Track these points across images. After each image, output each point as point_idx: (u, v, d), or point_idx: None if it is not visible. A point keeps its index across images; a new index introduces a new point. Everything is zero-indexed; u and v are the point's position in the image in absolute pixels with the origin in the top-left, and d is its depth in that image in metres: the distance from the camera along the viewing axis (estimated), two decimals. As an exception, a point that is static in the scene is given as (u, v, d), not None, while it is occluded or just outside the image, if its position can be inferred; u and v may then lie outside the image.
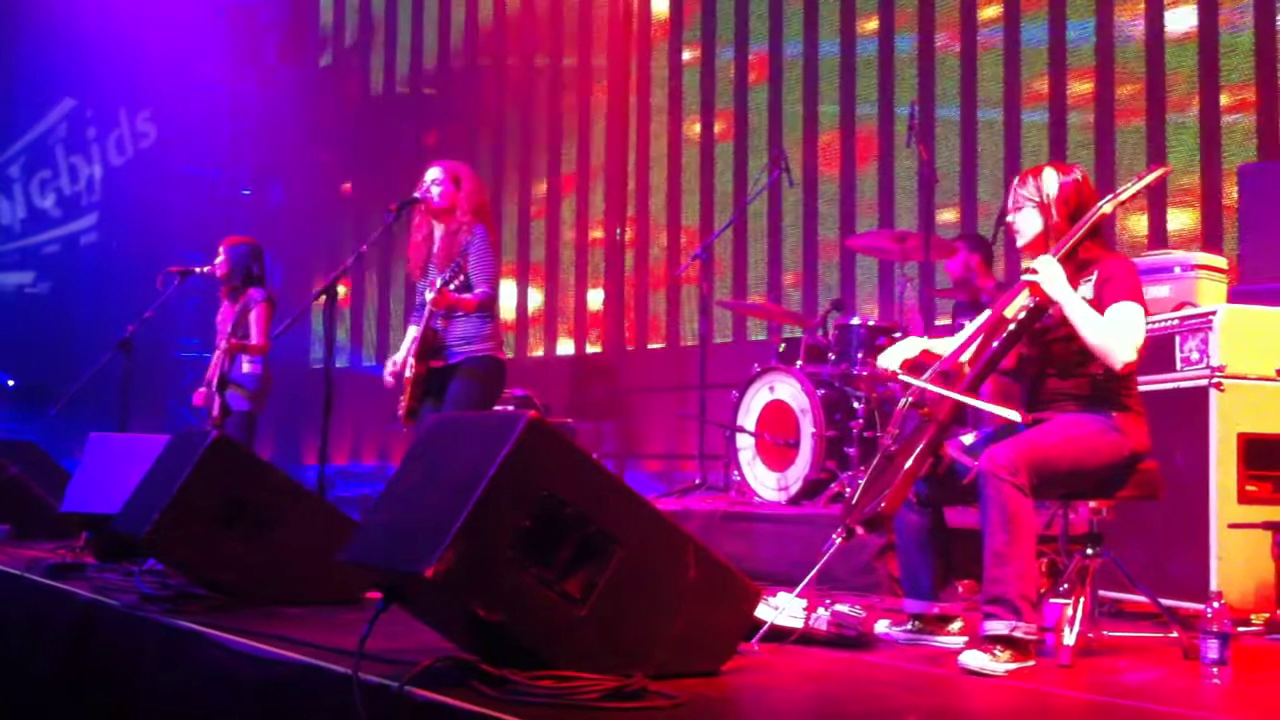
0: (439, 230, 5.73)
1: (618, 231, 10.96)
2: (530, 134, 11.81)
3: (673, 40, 10.84)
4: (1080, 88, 8.26)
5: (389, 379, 5.67)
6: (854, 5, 9.54)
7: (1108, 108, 8.10)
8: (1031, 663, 3.54)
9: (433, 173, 5.74)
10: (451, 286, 5.41)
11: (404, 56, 12.92)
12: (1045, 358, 3.97)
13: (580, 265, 11.30)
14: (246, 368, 7.09)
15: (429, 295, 5.47)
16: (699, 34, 10.62)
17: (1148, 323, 4.21)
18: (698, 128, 10.56)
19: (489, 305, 5.60)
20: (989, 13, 8.77)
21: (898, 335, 6.96)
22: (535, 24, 11.82)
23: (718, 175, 10.35)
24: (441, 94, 12.60)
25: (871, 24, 9.43)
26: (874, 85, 9.37)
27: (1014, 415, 3.78)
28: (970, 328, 4.12)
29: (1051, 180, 3.98)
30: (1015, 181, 4.09)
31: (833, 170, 9.58)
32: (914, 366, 4.08)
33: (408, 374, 5.52)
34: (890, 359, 4.11)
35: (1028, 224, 4.01)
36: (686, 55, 10.72)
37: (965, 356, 3.90)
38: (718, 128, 10.41)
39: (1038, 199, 3.98)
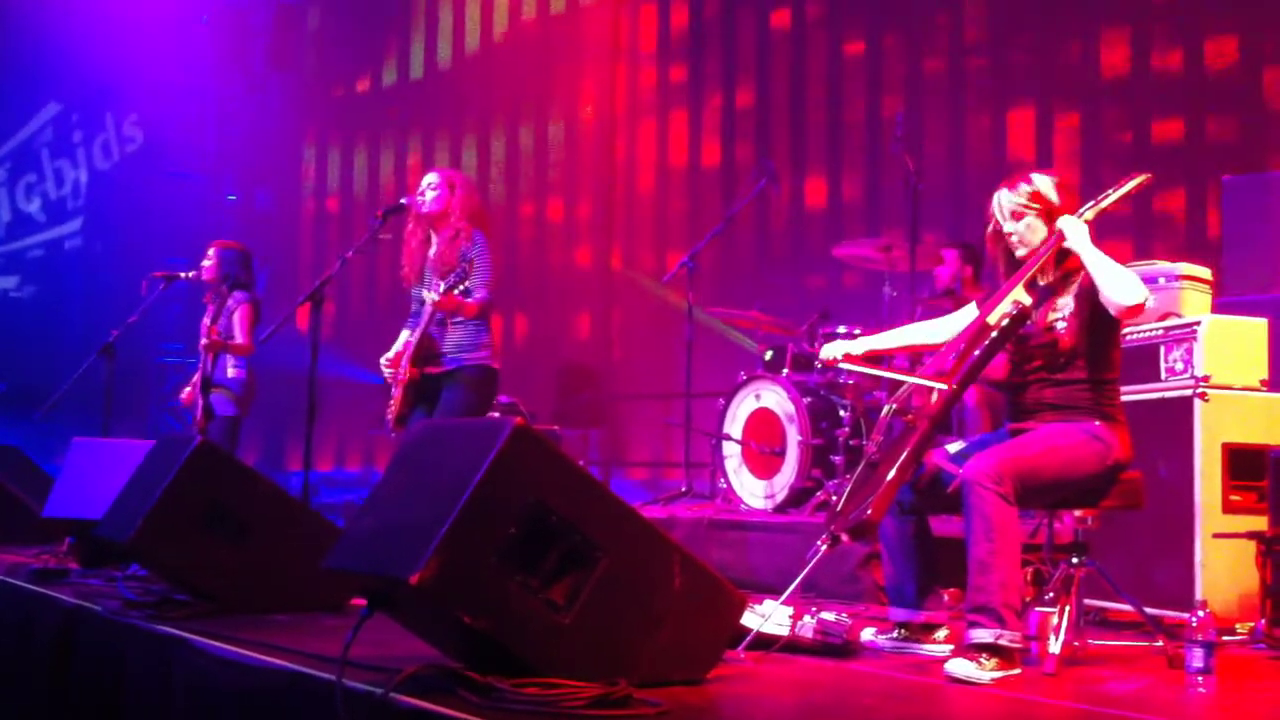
0: (435, 238, 5.71)
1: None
2: (517, 141, 11.80)
3: (661, 46, 10.85)
4: (1066, 102, 8.30)
5: (386, 371, 5.65)
6: (841, 19, 9.56)
7: (1093, 119, 8.13)
8: (1017, 671, 3.55)
9: (429, 179, 5.74)
10: (457, 291, 5.40)
11: (390, 75, 12.89)
12: (1029, 366, 3.97)
13: (567, 271, 11.29)
14: (231, 372, 7.06)
15: (429, 298, 5.44)
16: (687, 42, 10.64)
17: (1132, 334, 4.23)
18: (685, 137, 10.57)
19: (488, 311, 5.61)
20: (976, 31, 8.81)
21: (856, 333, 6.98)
22: (523, 42, 11.82)
23: (704, 184, 10.36)
24: (429, 111, 12.57)
25: (858, 41, 9.46)
26: (861, 94, 9.39)
27: (940, 385, 3.80)
28: (925, 328, 4.24)
29: (1047, 184, 3.97)
30: (1002, 194, 4.02)
31: (819, 179, 9.60)
32: (863, 361, 4.25)
33: (401, 377, 5.51)
34: (833, 350, 4.23)
35: (1034, 233, 3.98)
36: (674, 64, 10.74)
37: (949, 361, 3.91)
38: (704, 138, 10.42)
39: (1038, 205, 3.95)
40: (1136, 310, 3.76)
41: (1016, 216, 3.98)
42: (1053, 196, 3.95)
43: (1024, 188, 3.98)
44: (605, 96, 11.22)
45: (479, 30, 12.18)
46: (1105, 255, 3.80)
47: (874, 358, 4.33)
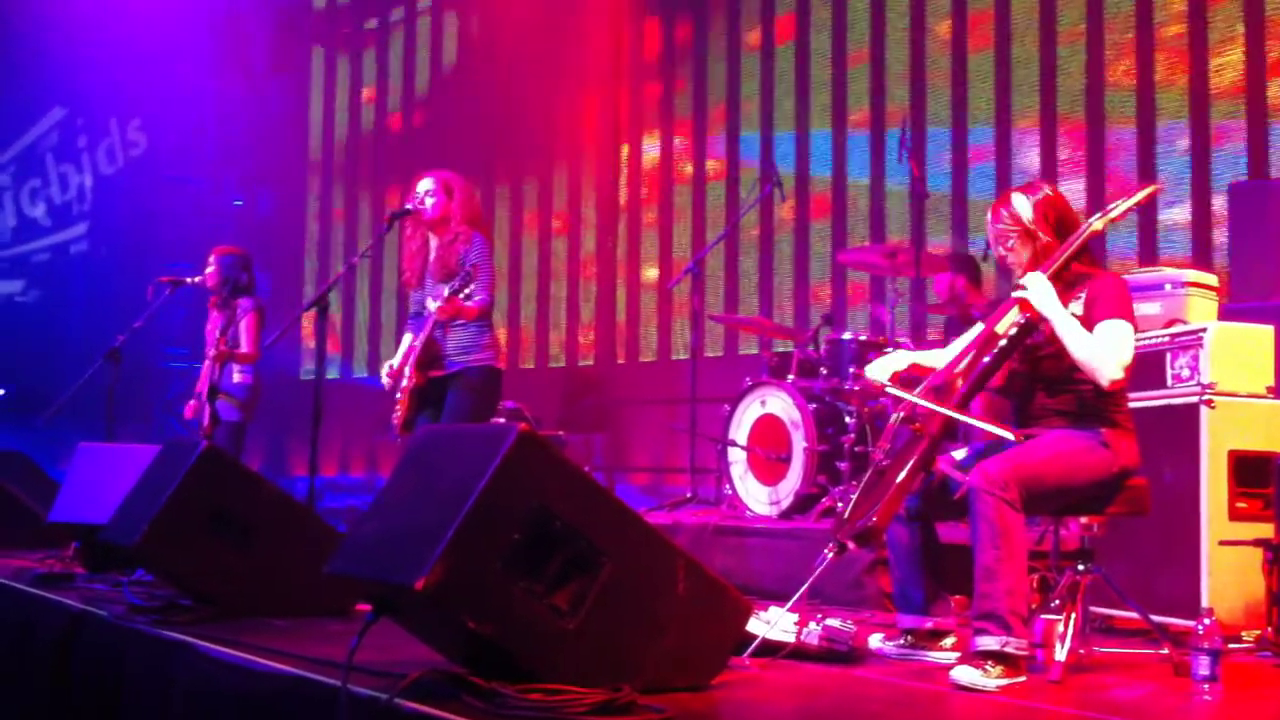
0: (434, 240, 5.72)
1: (613, 243, 10.96)
2: (521, 148, 11.81)
3: (665, 50, 10.86)
4: (1071, 106, 8.29)
5: (386, 380, 5.66)
6: (844, 25, 9.57)
7: (1099, 126, 8.13)
8: (1022, 678, 3.54)
9: (425, 183, 5.74)
10: (462, 296, 5.41)
11: (396, 82, 12.91)
12: (1035, 374, 3.97)
13: (572, 278, 11.30)
14: (237, 378, 7.08)
15: (431, 305, 5.46)
16: (690, 48, 10.65)
17: (1138, 340, 4.22)
18: (690, 146, 10.57)
19: (489, 313, 5.61)
20: (980, 37, 8.81)
21: (888, 350, 6.96)
22: (528, 46, 11.82)
23: (710, 191, 10.36)
24: (432, 120, 12.57)
25: (862, 48, 9.47)
26: (866, 101, 9.40)
27: (1007, 434, 3.78)
28: (961, 343, 4.13)
29: (1023, 205, 3.97)
30: (988, 218, 4.06)
31: (824, 185, 9.60)
32: (903, 380, 4.09)
33: (405, 383, 5.52)
34: (878, 371, 4.12)
35: (1019, 254, 4.00)
36: (679, 66, 10.75)
37: (958, 369, 3.90)
38: (710, 146, 10.43)
39: (1018, 228, 3.98)
40: (1117, 384, 3.76)
41: (1001, 241, 4.03)
42: (1026, 215, 3.95)
43: (1003, 213, 4.00)
44: (609, 106, 11.23)
45: (482, 38, 12.20)
46: (1075, 322, 3.78)
47: (909, 377, 4.23)
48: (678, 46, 10.77)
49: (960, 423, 3.86)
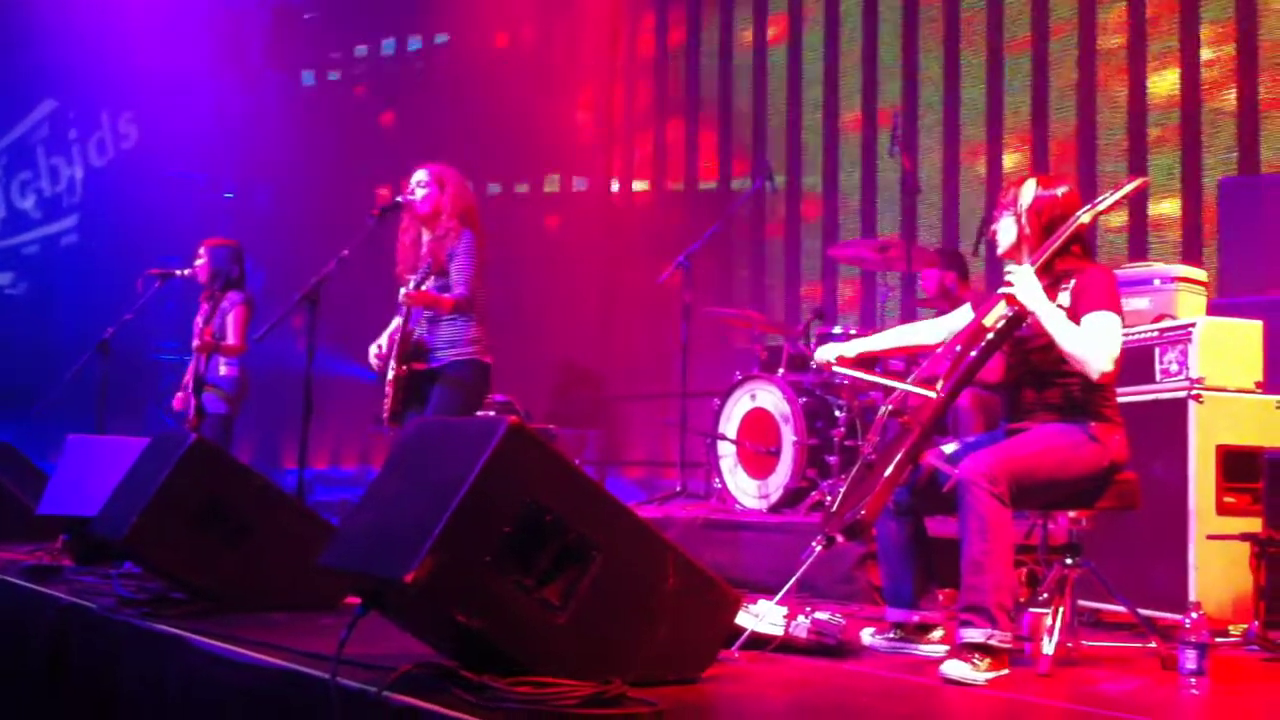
0: (426, 234, 5.70)
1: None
2: (517, 141, 11.79)
3: (658, 46, 10.86)
4: (1062, 105, 8.31)
5: (375, 362, 5.64)
6: (838, 15, 9.57)
7: (1090, 120, 8.14)
8: (1005, 671, 3.55)
9: (418, 175, 5.71)
10: (426, 286, 5.39)
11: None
12: (1024, 368, 3.98)
13: (568, 276, 11.29)
14: (224, 370, 7.05)
15: (401, 294, 5.45)
16: (683, 45, 10.65)
17: (1127, 334, 4.23)
18: (682, 133, 10.57)
19: (466, 308, 5.54)
20: (974, 28, 8.83)
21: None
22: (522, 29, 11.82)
23: (701, 183, 10.36)
24: (430, 113, 12.56)
25: (855, 34, 9.47)
26: (857, 94, 9.40)
27: (929, 392, 3.80)
28: (925, 326, 4.23)
29: (1029, 191, 4.00)
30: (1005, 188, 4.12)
31: (816, 179, 9.61)
32: (859, 364, 4.25)
33: (390, 375, 5.50)
34: (826, 352, 4.24)
35: (1005, 232, 4.05)
36: (672, 58, 10.74)
37: (941, 368, 3.92)
38: (702, 133, 10.43)
39: (1013, 209, 4.01)
40: (1107, 377, 3.76)
41: (997, 214, 4.07)
42: (1023, 202, 3.98)
43: (1012, 191, 4.06)
44: (603, 107, 11.22)
45: (479, 38, 12.18)
46: (1061, 315, 3.79)
47: (868, 359, 4.35)
48: (671, 46, 10.77)
49: (948, 415, 3.87)
